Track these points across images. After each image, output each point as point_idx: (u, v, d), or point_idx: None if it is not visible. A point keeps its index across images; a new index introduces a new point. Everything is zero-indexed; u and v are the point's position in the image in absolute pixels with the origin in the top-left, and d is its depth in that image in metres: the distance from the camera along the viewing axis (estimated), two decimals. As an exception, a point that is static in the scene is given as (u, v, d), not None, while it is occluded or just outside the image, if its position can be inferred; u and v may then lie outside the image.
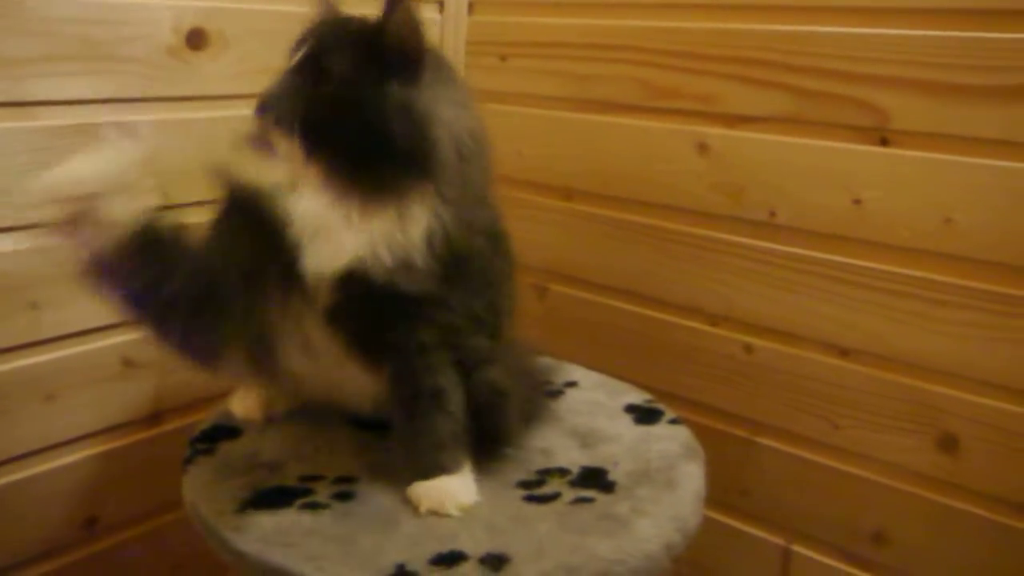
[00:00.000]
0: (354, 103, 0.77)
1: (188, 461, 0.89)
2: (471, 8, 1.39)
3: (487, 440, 0.86)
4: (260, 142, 0.81)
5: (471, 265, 0.82)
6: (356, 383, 0.86)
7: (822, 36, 1.04)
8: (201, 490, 0.84)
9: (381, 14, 0.77)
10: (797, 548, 1.16)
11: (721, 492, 1.20)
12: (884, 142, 1.02)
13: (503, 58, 1.36)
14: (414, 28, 0.77)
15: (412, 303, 0.79)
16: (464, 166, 0.80)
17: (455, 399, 0.83)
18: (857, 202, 1.04)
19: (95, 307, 1.03)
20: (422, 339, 0.81)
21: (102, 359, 1.07)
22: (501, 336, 0.89)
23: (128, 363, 1.10)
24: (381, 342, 0.82)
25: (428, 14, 1.36)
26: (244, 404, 0.96)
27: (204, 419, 0.99)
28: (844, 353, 1.09)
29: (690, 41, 1.15)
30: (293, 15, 1.15)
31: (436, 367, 0.82)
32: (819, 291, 1.09)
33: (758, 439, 1.18)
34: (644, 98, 1.21)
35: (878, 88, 1.01)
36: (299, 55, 0.79)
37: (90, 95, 1.00)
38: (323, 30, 0.81)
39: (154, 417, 1.14)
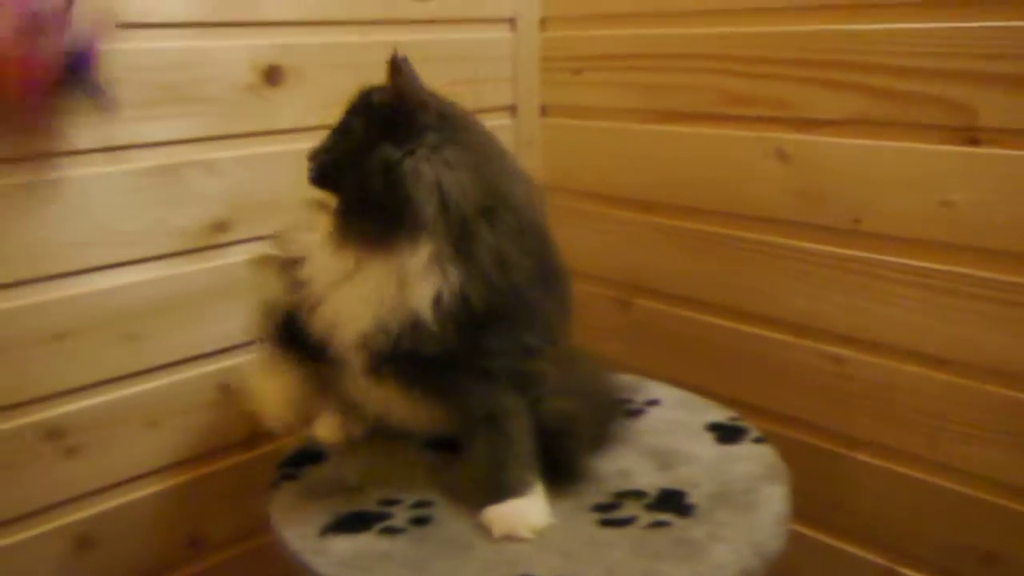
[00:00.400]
0: (351, 164, 0.81)
1: (274, 485, 0.93)
2: (543, 24, 1.39)
3: (557, 471, 0.86)
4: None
5: (503, 307, 0.82)
6: (418, 413, 0.88)
7: (902, 33, 1.00)
8: (285, 514, 0.87)
9: (387, 75, 0.82)
10: (901, 569, 1.11)
11: (818, 509, 1.17)
12: (973, 141, 0.97)
13: (577, 72, 1.36)
14: (405, 91, 0.81)
15: (441, 357, 0.80)
16: (460, 223, 0.80)
17: (517, 422, 0.83)
18: (946, 204, 1.00)
19: (191, 337, 1.10)
20: (468, 375, 0.82)
21: (199, 386, 1.13)
22: (558, 353, 0.89)
23: (223, 389, 1.15)
24: (425, 386, 0.84)
25: (500, 33, 1.37)
26: (326, 427, 0.99)
27: (292, 442, 1.02)
28: (940, 363, 1.04)
29: (764, 46, 1.12)
30: (363, 46, 1.19)
31: (490, 394, 0.83)
32: (909, 299, 1.04)
33: (854, 454, 1.13)
34: (720, 106, 1.19)
35: (964, 84, 0.96)
36: (343, 117, 0.85)
37: (176, 136, 1.05)
38: (360, 95, 0.86)
39: (250, 440, 1.19)
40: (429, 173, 0.79)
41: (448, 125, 0.82)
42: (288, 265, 0.89)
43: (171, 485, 1.12)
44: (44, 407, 1.00)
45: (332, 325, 0.84)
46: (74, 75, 0.82)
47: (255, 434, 1.19)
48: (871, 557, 1.14)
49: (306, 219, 0.90)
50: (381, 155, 0.79)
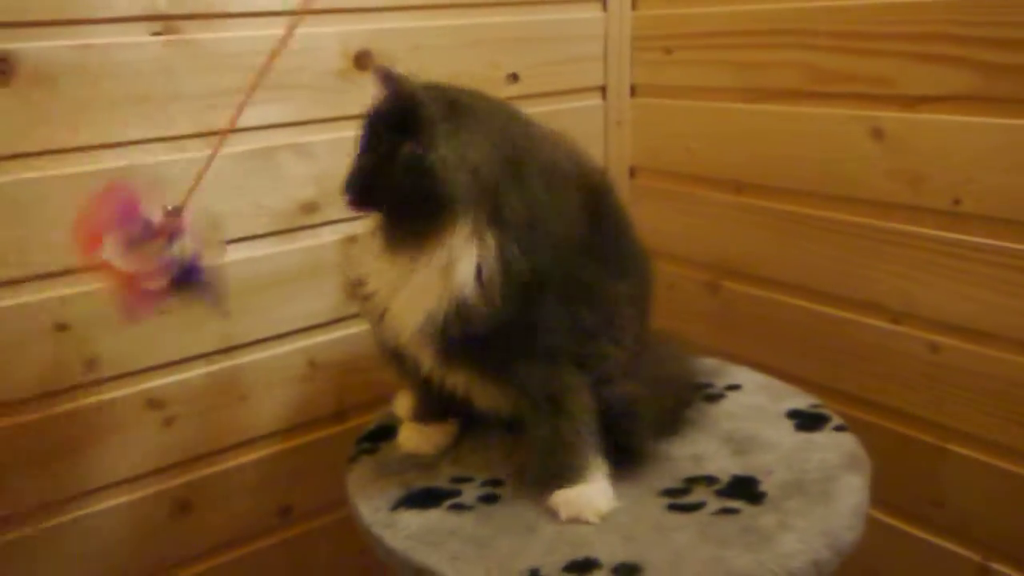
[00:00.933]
0: (380, 176, 0.83)
1: (352, 460, 0.96)
2: (635, 3, 1.37)
3: (622, 454, 0.86)
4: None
5: (549, 276, 0.82)
6: (493, 397, 0.89)
7: (1009, 1, 0.94)
8: (360, 488, 0.90)
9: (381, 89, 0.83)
10: (995, 565, 1.06)
11: (910, 502, 1.13)
12: (1087, 117, 0.91)
13: (668, 51, 1.33)
14: (401, 95, 0.81)
15: (498, 335, 0.81)
16: (496, 193, 0.81)
17: (579, 402, 0.84)
18: (1054, 186, 0.94)
19: (282, 314, 1.14)
20: (527, 355, 0.82)
21: (290, 361, 1.17)
22: (631, 336, 0.89)
23: (313, 364, 1.19)
24: (488, 368, 0.86)
25: (592, 13, 1.36)
26: (414, 438, 0.99)
27: (373, 418, 1.05)
28: (1044, 354, 0.98)
29: (859, 19, 1.07)
30: (452, 29, 1.20)
31: (552, 375, 0.83)
32: (1013, 285, 0.98)
33: (949, 446, 1.08)
34: (814, 84, 1.15)
35: (1077, 57, 0.90)
36: (358, 147, 0.86)
37: (270, 120, 1.09)
38: (367, 117, 0.86)
39: (338, 414, 1.23)
40: (451, 156, 0.80)
41: (460, 111, 0.82)
42: (356, 286, 0.92)
43: (262, 455, 1.18)
44: (146, 378, 1.06)
45: (397, 329, 0.86)
46: (185, 285, 0.86)
47: (343, 408, 1.23)
48: (963, 552, 1.09)
49: (366, 242, 0.92)
50: (403, 155, 0.80)
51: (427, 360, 0.87)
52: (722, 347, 1.31)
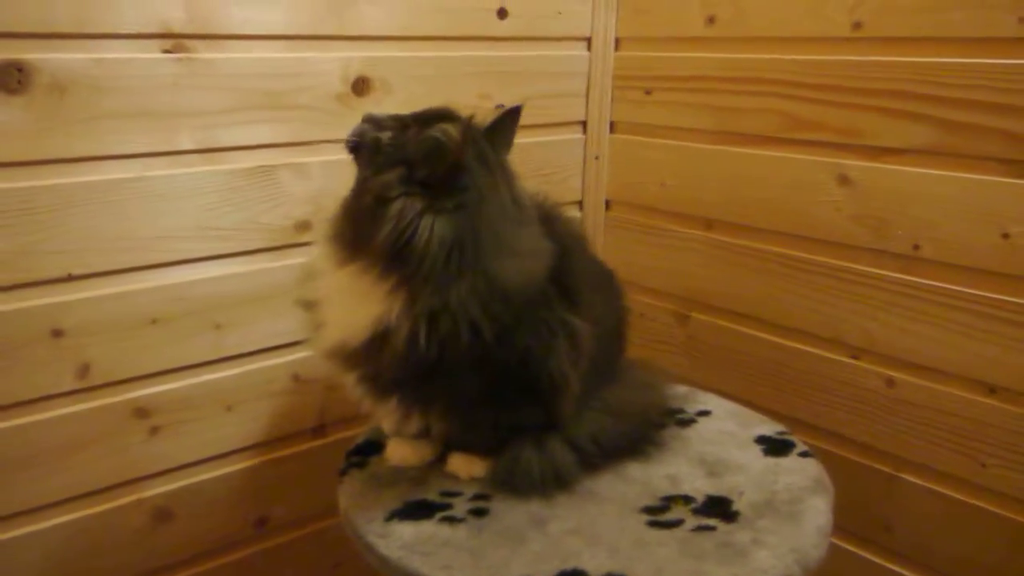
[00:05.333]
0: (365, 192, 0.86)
1: (343, 472, 0.99)
2: (618, 44, 1.44)
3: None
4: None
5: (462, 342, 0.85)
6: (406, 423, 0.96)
7: (969, 67, 1.03)
8: (353, 500, 0.93)
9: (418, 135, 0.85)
10: (943, 589, 1.13)
11: (863, 527, 1.20)
12: (1035, 176, 0.99)
13: (648, 92, 1.40)
14: (448, 151, 0.83)
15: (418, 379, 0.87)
16: (451, 267, 0.83)
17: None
18: (1005, 236, 1.02)
19: (269, 329, 1.17)
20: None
21: (274, 375, 1.20)
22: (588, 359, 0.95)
23: (297, 379, 1.22)
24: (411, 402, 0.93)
25: (576, 52, 1.43)
26: (399, 453, 1.01)
27: (360, 433, 1.08)
28: (991, 391, 1.05)
29: (833, 74, 1.15)
30: (446, 60, 1.25)
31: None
32: (965, 326, 1.06)
33: (901, 475, 1.16)
34: (786, 130, 1.22)
35: (1028, 120, 0.99)
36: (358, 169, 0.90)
37: (270, 140, 1.12)
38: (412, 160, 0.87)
39: (319, 428, 1.26)
40: (421, 219, 0.83)
41: (471, 175, 0.86)
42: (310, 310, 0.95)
43: (243, 467, 1.20)
44: (135, 387, 1.08)
45: (328, 341, 0.90)
46: None
47: (324, 423, 1.26)
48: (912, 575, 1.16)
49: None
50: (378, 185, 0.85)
51: (357, 391, 0.92)
52: (689, 375, 1.37)
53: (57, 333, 1.01)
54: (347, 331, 0.86)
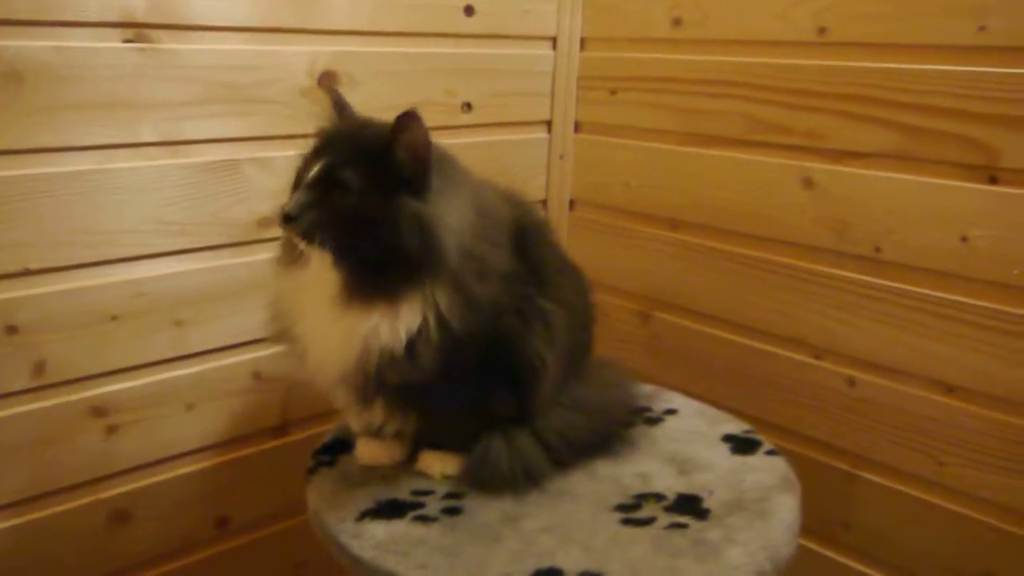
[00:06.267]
0: (371, 215, 0.82)
1: (311, 471, 0.97)
2: (583, 44, 1.45)
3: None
4: (288, 251, 0.91)
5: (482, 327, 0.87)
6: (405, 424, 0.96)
7: (931, 73, 1.05)
8: (323, 499, 0.92)
9: (392, 131, 0.82)
10: (900, 584, 1.16)
11: (822, 524, 1.22)
12: (993, 180, 1.02)
13: (613, 92, 1.41)
14: (422, 146, 0.83)
15: (419, 388, 0.87)
16: (467, 260, 0.85)
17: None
18: (964, 240, 1.04)
19: (230, 326, 1.15)
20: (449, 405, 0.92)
21: (235, 373, 1.17)
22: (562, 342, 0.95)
23: (258, 377, 1.19)
24: (410, 410, 0.94)
25: (542, 51, 1.43)
26: (369, 452, 1.00)
27: (327, 432, 1.07)
28: (950, 390, 1.08)
29: (798, 78, 1.17)
30: (413, 56, 1.24)
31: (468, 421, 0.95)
32: (924, 327, 1.09)
33: (860, 473, 1.18)
34: (750, 133, 1.24)
35: (987, 126, 1.01)
36: (317, 167, 0.84)
37: (234, 134, 1.10)
38: (338, 143, 0.86)
39: (280, 427, 1.24)
40: (451, 219, 0.84)
41: (439, 169, 0.85)
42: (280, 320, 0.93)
43: (204, 467, 1.17)
44: (92, 385, 1.05)
45: (318, 370, 0.89)
46: None
47: (285, 422, 1.24)
48: (871, 573, 1.18)
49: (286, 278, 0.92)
50: (409, 208, 0.82)
51: (344, 397, 0.92)
52: (650, 374, 1.38)
53: (11, 329, 0.97)
54: (356, 355, 0.85)
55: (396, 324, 0.82)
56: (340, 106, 0.92)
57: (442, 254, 0.83)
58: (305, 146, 0.89)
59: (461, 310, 0.84)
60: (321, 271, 0.85)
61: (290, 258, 0.90)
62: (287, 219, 0.81)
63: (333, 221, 0.82)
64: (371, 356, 0.84)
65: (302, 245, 0.83)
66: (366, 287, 0.83)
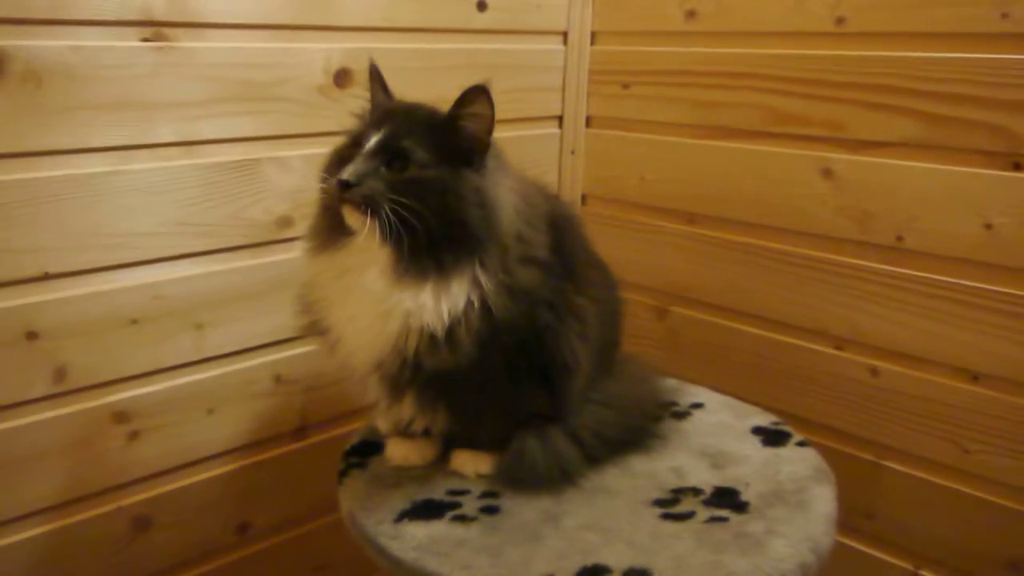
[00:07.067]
0: (434, 186, 0.81)
1: (343, 474, 0.96)
2: (594, 38, 1.44)
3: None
4: (321, 235, 0.88)
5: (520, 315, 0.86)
6: (436, 421, 0.95)
7: (953, 61, 1.05)
8: (357, 501, 0.90)
9: (458, 103, 0.83)
10: (925, 573, 1.16)
11: (846, 514, 1.20)
12: (1017, 167, 1.02)
13: (625, 86, 1.40)
14: (488, 119, 0.83)
15: (455, 377, 0.85)
16: (516, 242, 0.85)
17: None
18: (988, 227, 1.04)
19: (250, 328, 1.13)
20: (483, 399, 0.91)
21: (256, 375, 1.16)
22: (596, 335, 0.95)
23: (278, 380, 1.18)
24: (441, 403, 0.92)
25: (553, 46, 1.42)
26: (400, 453, 0.98)
27: (354, 433, 1.06)
28: (974, 378, 1.08)
29: (816, 68, 1.17)
30: (427, 52, 1.23)
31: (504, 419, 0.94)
32: (948, 315, 1.09)
33: (884, 462, 1.18)
34: (768, 124, 1.23)
35: (1010, 113, 1.01)
36: (376, 138, 0.83)
37: (251, 133, 1.09)
38: (397, 116, 0.85)
39: (300, 431, 1.23)
40: (506, 198, 0.84)
41: (493, 151, 0.86)
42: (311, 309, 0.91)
43: (224, 471, 1.16)
44: (114, 390, 1.04)
45: (351, 357, 0.88)
46: None
47: (305, 425, 1.22)
48: (896, 562, 1.18)
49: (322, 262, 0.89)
50: (472, 182, 0.82)
51: (375, 389, 0.90)
52: (668, 369, 1.37)
53: (32, 335, 0.96)
54: (394, 340, 0.83)
55: (442, 303, 0.81)
56: (377, 78, 0.91)
57: (499, 229, 0.83)
58: (343, 131, 0.89)
59: (503, 295, 0.83)
60: (365, 249, 0.82)
61: (325, 241, 0.87)
62: (345, 186, 0.79)
63: (394, 189, 0.80)
64: (410, 338, 0.82)
65: (353, 217, 0.81)
66: (419, 261, 0.81)
